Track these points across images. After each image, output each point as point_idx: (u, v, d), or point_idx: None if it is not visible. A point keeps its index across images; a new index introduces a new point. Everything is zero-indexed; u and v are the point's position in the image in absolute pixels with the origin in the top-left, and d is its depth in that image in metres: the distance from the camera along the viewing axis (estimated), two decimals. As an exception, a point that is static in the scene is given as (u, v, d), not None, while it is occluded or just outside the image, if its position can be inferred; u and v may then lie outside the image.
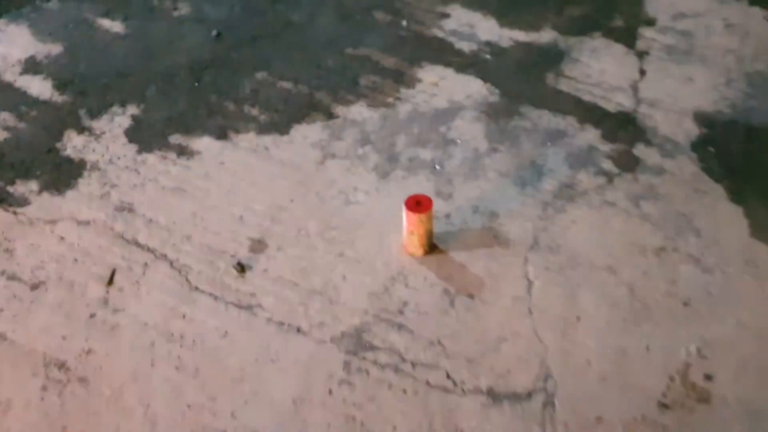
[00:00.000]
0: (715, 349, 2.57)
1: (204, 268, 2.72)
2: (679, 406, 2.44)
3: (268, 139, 3.15)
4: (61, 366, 2.47)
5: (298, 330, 2.58)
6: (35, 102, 3.25)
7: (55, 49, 3.47)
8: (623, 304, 2.68)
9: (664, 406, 2.44)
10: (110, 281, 2.66)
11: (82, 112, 3.22)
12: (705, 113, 3.33)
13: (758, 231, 2.91)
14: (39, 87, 3.30)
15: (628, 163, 3.13)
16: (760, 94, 3.41)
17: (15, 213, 2.85)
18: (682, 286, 2.73)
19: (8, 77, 3.34)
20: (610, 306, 2.67)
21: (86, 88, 3.31)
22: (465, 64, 3.51)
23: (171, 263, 2.73)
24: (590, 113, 3.32)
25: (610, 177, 3.08)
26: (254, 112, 3.27)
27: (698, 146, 3.20)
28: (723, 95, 3.42)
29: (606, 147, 3.18)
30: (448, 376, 2.48)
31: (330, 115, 3.25)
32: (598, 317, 2.64)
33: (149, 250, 2.77)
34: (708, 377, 2.51)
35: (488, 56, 3.57)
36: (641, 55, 3.59)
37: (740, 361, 2.54)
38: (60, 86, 3.32)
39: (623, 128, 3.27)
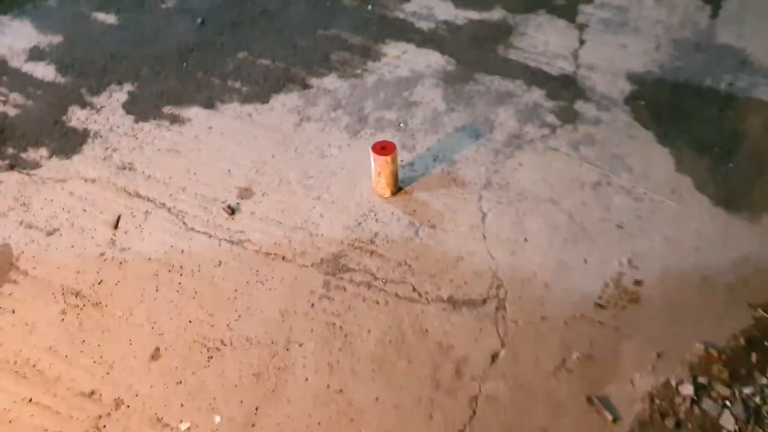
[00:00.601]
0: (644, 260, 2.99)
1: (198, 212, 3.11)
2: (612, 306, 2.85)
3: (250, 107, 3.56)
4: (77, 294, 2.84)
5: (283, 258, 2.97)
6: (41, 83, 3.63)
7: (56, 39, 3.86)
8: (564, 227, 3.09)
9: (599, 306, 2.85)
10: (116, 226, 3.04)
11: (83, 91, 3.60)
12: (636, 73, 3.78)
13: (682, 167, 3.34)
14: (43, 71, 3.69)
15: (569, 116, 3.56)
16: (684, 56, 3.87)
17: (28, 174, 3.23)
18: (616, 213, 3.15)
19: (15, 64, 3.73)
20: (552, 229, 3.09)
21: (86, 70, 3.69)
22: (424, 39, 3.94)
23: (169, 210, 3.12)
24: (536, 77, 3.75)
25: (553, 128, 3.50)
26: (237, 85, 3.67)
27: (630, 100, 3.64)
28: (652, 58, 3.87)
29: (549, 104, 3.61)
30: (414, 289, 2.88)
31: (305, 86, 3.66)
32: (542, 238, 3.05)
33: (149, 200, 3.15)
34: (637, 282, 2.92)
35: (445, 33, 4.00)
36: (581, 27, 4.04)
37: (664, 269, 2.95)
38: (62, 70, 3.70)
39: (565, 88, 3.70)
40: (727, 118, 3.56)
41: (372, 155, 3.06)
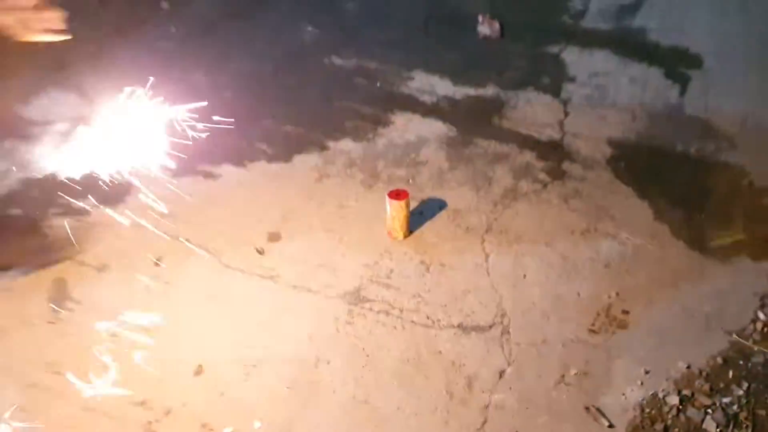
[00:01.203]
0: (630, 294, 3.38)
1: (234, 253, 3.49)
2: (604, 332, 3.22)
3: (275, 166, 4.00)
4: (123, 323, 3.17)
5: (309, 290, 3.33)
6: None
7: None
8: (558, 266, 3.49)
9: (593, 331, 3.22)
10: (158, 264, 3.40)
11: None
12: (616, 139, 4.28)
13: (659, 216, 3.78)
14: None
15: (558, 174, 4.03)
16: (657, 126, 4.39)
17: (78, 221, 3.61)
18: (603, 254, 3.56)
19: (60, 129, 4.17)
20: (548, 267, 3.48)
21: (127, 134, 4.13)
22: (428, 111, 4.45)
23: (207, 250, 3.49)
24: (527, 142, 4.24)
25: (544, 184, 3.96)
26: (263, 147, 4.12)
27: (611, 162, 4.12)
28: (629, 127, 4.39)
29: (540, 164, 4.09)
30: (427, 317, 3.24)
31: (323, 148, 4.12)
32: (539, 275, 3.45)
33: (189, 242, 3.53)
34: (625, 312, 3.31)
35: (446, 105, 4.52)
36: (565, 102, 4.57)
37: (648, 301, 3.34)
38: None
39: (553, 151, 4.18)
40: (697, 177, 4.03)
41: (388, 201, 3.48)
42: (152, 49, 4.76)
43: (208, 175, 3.92)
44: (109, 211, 3.64)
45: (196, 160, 3.93)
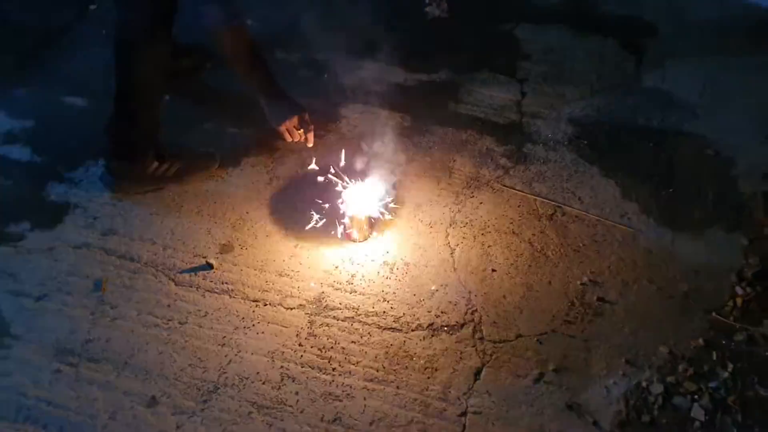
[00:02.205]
0: (604, 278, 3.24)
1: (183, 268, 3.25)
2: (580, 321, 3.07)
3: (222, 171, 3.75)
4: (70, 352, 2.93)
5: (268, 303, 3.12)
6: (18, 163, 3.77)
7: (28, 123, 4.01)
8: (526, 254, 3.34)
9: (568, 322, 3.07)
10: (103, 288, 3.15)
11: (60, 168, 3.74)
12: (576, 117, 4.13)
13: (627, 195, 3.65)
14: (19, 153, 3.83)
15: (520, 158, 3.86)
16: (617, 101, 4.25)
17: (14, 246, 3.33)
18: (572, 238, 3.42)
19: (-10, 148, 3.87)
20: (516, 257, 3.33)
21: (61, 149, 3.84)
22: (379, 101, 4.23)
23: (154, 268, 3.25)
24: (485, 126, 4.06)
25: (506, 169, 3.79)
26: (208, 151, 3.87)
27: (573, 141, 3.97)
28: (589, 104, 4.24)
29: (501, 148, 3.92)
30: (395, 321, 3.05)
31: (272, 149, 3.88)
32: (508, 266, 3.28)
33: (134, 260, 3.29)
34: (600, 299, 3.17)
35: (398, 94, 4.30)
36: (521, 81, 4.40)
37: (623, 283, 3.21)
38: (37, 150, 3.85)
39: (513, 134, 4.01)
40: (661, 151, 3.91)
41: (344, 203, 3.27)
42: (87, 56, 4.45)
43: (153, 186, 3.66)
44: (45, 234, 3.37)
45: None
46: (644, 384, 2.83)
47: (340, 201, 3.33)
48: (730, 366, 2.88)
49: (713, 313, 3.10)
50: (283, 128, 3.61)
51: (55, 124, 4.03)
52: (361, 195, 3.33)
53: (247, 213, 3.52)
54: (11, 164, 3.78)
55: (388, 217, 3.42)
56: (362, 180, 3.46)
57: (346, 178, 3.41)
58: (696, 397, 2.78)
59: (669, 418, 2.73)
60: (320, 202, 3.41)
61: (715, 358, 2.91)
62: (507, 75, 4.47)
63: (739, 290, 3.16)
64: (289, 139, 3.67)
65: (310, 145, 3.72)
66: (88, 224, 3.45)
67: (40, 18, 4.67)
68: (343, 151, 3.60)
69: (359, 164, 3.64)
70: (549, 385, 2.83)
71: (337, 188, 3.41)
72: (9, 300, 3.12)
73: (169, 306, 3.09)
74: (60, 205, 3.55)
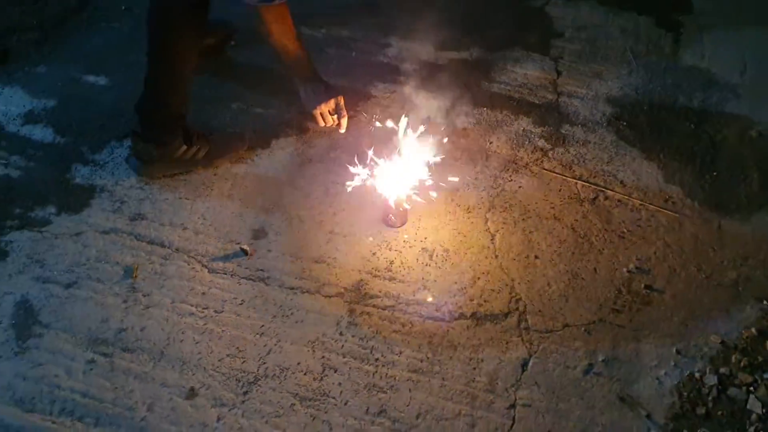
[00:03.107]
0: (650, 265, 3.14)
1: (216, 254, 3.15)
2: (628, 310, 2.97)
3: (252, 153, 3.64)
4: (104, 342, 2.84)
5: (305, 291, 3.02)
6: (40, 145, 3.66)
7: (50, 102, 3.90)
8: (569, 241, 3.23)
9: (616, 311, 2.97)
10: (134, 274, 3.05)
11: (84, 149, 3.63)
12: (615, 97, 4.00)
13: (670, 178, 3.53)
14: (41, 133, 3.72)
15: (558, 140, 3.74)
16: (655, 78, 4.12)
17: (40, 231, 3.23)
18: (616, 223, 3.31)
19: (12, 128, 3.75)
20: (559, 244, 3.22)
21: (84, 130, 3.73)
22: (410, 80, 4.10)
23: (186, 254, 3.15)
24: (521, 106, 3.94)
25: (545, 151, 3.67)
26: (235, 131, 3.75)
27: (612, 122, 3.84)
28: (627, 83, 4.11)
29: (538, 130, 3.79)
30: (437, 310, 2.96)
31: (302, 130, 3.76)
32: (551, 253, 3.18)
33: (164, 246, 3.18)
34: (647, 287, 3.06)
35: (429, 73, 4.17)
36: (556, 59, 4.27)
37: (670, 271, 3.10)
38: (60, 131, 3.74)
39: (549, 115, 3.89)
40: (703, 132, 3.78)
41: (384, 195, 3.16)
42: (106, 33, 4.33)
43: (180, 169, 3.55)
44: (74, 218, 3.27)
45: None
46: (697, 375, 2.74)
47: (375, 178, 3.20)
48: (787, 357, 2.78)
49: (765, 302, 2.99)
50: (317, 112, 3.50)
51: (76, 103, 3.92)
52: (397, 178, 3.20)
53: (279, 197, 3.41)
54: (34, 145, 3.68)
55: (424, 200, 3.29)
56: (396, 162, 3.33)
57: (381, 161, 3.29)
58: (752, 389, 2.69)
59: (725, 410, 2.64)
60: (356, 175, 3.27)
61: (769, 348, 2.81)
62: (540, 53, 4.33)
63: (793, 277, 3.05)
64: (322, 124, 3.56)
65: (343, 131, 3.61)
66: (116, 208, 3.35)
67: (58, -7, 4.52)
68: (373, 129, 3.48)
69: (393, 146, 3.51)
70: (599, 376, 2.74)
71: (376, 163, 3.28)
72: (37, 287, 3.02)
73: (203, 294, 2.99)
74: (85, 189, 3.45)
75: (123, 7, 4.57)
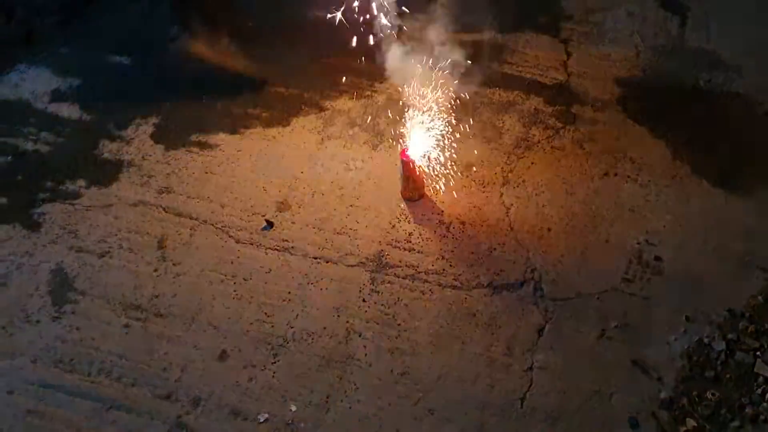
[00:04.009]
0: (659, 238, 3.26)
1: (242, 226, 3.27)
2: (639, 279, 3.10)
3: (273, 131, 3.75)
4: (137, 308, 2.96)
5: (329, 261, 3.15)
6: (68, 122, 3.77)
7: (75, 81, 4.01)
8: (581, 214, 3.35)
9: (627, 280, 3.10)
10: (163, 244, 3.18)
11: (110, 126, 3.75)
12: (623, 78, 4.10)
13: (678, 155, 3.65)
14: (68, 111, 3.83)
15: (569, 119, 3.85)
16: (662, 60, 4.22)
17: (72, 204, 3.35)
18: (626, 198, 3.43)
19: (40, 106, 3.86)
20: (571, 216, 3.34)
21: (109, 107, 3.84)
22: (425, 61, 4.20)
23: (213, 225, 3.27)
24: (532, 86, 4.05)
25: (556, 129, 3.79)
26: (257, 112, 3.86)
27: (621, 101, 3.95)
28: (635, 64, 4.21)
29: (549, 109, 3.90)
30: (455, 279, 3.08)
31: (321, 108, 3.87)
32: (564, 225, 3.30)
33: (192, 218, 3.31)
34: (657, 258, 3.19)
35: (443, 54, 4.26)
36: (565, 41, 4.36)
37: (678, 244, 3.23)
38: (86, 108, 3.85)
39: (560, 95, 4.00)
40: (709, 111, 3.89)
41: (400, 161, 3.28)
42: (122, 16, 4.43)
43: (203, 146, 3.66)
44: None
45: (188, 130, 3.68)
46: (706, 340, 2.87)
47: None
48: (792, 324, 2.91)
49: (771, 273, 3.12)
50: None
51: (101, 81, 4.03)
52: (415, 151, 3.32)
53: (301, 173, 3.53)
54: (62, 122, 3.80)
55: (440, 175, 3.41)
56: (414, 138, 3.44)
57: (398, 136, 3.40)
58: (758, 353, 2.81)
59: (733, 373, 2.77)
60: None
61: (775, 315, 2.94)
62: (550, 35, 4.43)
63: (794, 250, 3.17)
64: None
65: None
66: (144, 182, 3.47)
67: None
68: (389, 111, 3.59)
69: (409, 123, 3.63)
70: (612, 341, 2.87)
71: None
72: (72, 256, 3.15)
73: (232, 263, 3.12)
74: (114, 163, 3.57)
75: None
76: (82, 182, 3.46)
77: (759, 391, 2.71)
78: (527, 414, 2.69)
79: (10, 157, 3.59)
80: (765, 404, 2.68)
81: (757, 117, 3.83)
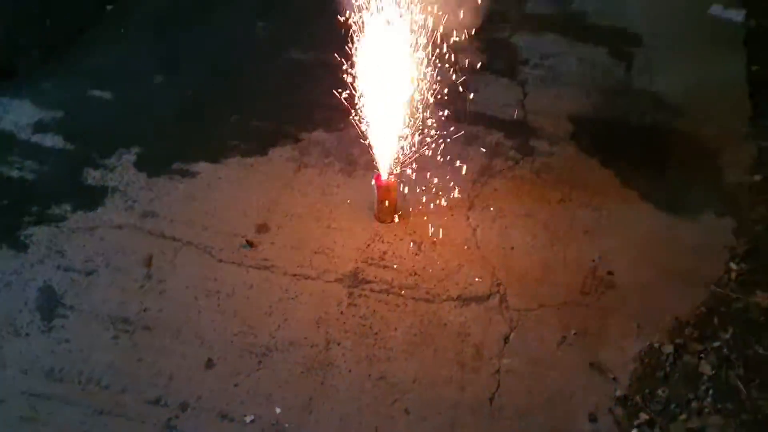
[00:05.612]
0: (612, 256, 3.54)
1: (224, 246, 3.46)
2: (594, 292, 3.37)
3: (252, 160, 3.97)
4: (125, 321, 3.11)
5: (308, 277, 3.34)
6: (51, 150, 3.93)
7: (58, 114, 4.18)
8: (541, 235, 3.63)
9: (584, 293, 3.36)
10: (149, 263, 3.34)
11: (93, 154, 3.92)
12: (575, 115, 4.46)
13: (626, 183, 3.97)
14: (52, 141, 3.99)
15: (527, 151, 4.17)
16: (610, 100, 4.59)
17: (58, 226, 3.50)
18: (580, 222, 3.72)
19: (23, 136, 4.02)
20: (532, 237, 3.62)
21: (92, 137, 4.02)
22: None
23: (196, 246, 3.45)
24: (493, 122, 4.36)
25: (516, 160, 4.09)
26: (235, 142, 4.09)
27: (574, 136, 4.29)
28: (585, 103, 4.57)
29: (509, 142, 4.22)
30: (427, 293, 3.31)
31: (297, 139, 4.12)
32: (525, 245, 3.57)
33: (175, 239, 3.48)
34: (610, 273, 3.47)
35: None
36: (522, 83, 4.72)
37: (629, 260, 3.52)
38: (69, 139, 4.02)
39: (519, 130, 4.32)
40: (654, 145, 4.25)
41: (375, 186, 3.53)
42: (107, 52, 4.64)
43: (185, 173, 3.86)
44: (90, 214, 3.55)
45: (170, 159, 3.88)
46: (656, 345, 3.13)
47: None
48: (730, 329, 3.20)
49: (712, 286, 3.42)
50: None
51: (83, 114, 4.21)
52: (388, 178, 3.56)
53: (279, 197, 3.74)
54: (46, 151, 3.95)
55: (412, 200, 3.66)
56: (386, 166, 3.69)
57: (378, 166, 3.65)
58: (702, 355, 3.09)
59: (680, 373, 3.03)
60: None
61: (716, 322, 3.23)
62: (508, 78, 4.78)
63: (733, 266, 3.49)
64: None
65: None
66: (128, 206, 3.64)
67: (61, 16, 4.82)
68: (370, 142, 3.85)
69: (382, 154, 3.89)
70: (571, 346, 3.11)
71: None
72: (59, 275, 3.28)
73: (215, 279, 3.29)
74: (98, 189, 3.73)
75: (121, 30, 4.90)
76: (67, 207, 3.61)
77: (703, 387, 2.97)
78: (496, 412, 2.89)
79: (-5, 184, 3.72)
80: (708, 399, 2.94)
81: (696, 150, 4.20)
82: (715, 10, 5.38)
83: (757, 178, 3.95)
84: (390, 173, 3.54)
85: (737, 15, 5.32)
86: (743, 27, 5.15)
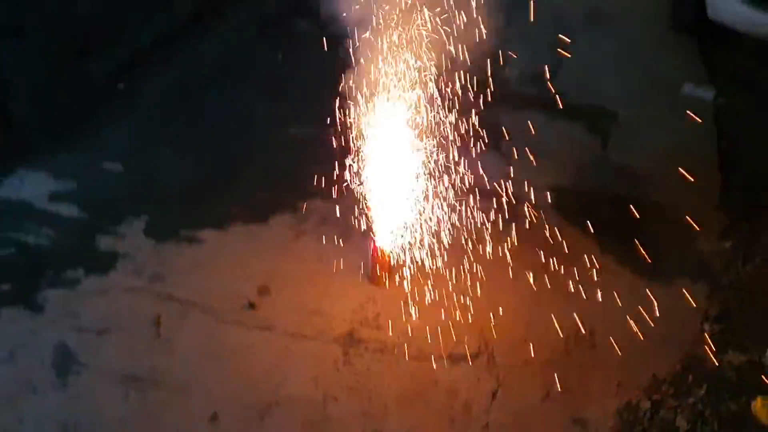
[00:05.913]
0: (592, 317, 3.78)
1: (227, 308, 3.68)
2: (576, 351, 3.59)
3: (253, 227, 4.23)
4: (135, 378, 3.30)
5: (306, 337, 3.56)
6: (67, 219, 4.18)
7: (72, 185, 4.45)
8: (527, 297, 3.88)
9: (567, 352, 3.59)
10: (158, 322, 3.55)
11: (105, 223, 4.17)
12: (557, 186, 4.74)
13: (604, 249, 4.24)
14: (67, 210, 4.25)
15: (510, 219, 4.43)
16: (589, 173, 4.91)
17: (72, 289, 3.72)
18: (562, 285, 3.95)
19: (40, 205, 4.27)
20: (518, 299, 3.86)
21: (105, 207, 4.28)
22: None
23: (201, 307, 3.67)
24: (480, 192, 4.65)
25: (500, 227, 4.36)
26: (237, 210, 4.35)
27: (556, 206, 4.57)
28: (565, 176, 4.88)
29: (492, 211, 4.49)
30: (419, 351, 3.53)
31: (295, 209, 4.39)
32: (512, 307, 3.81)
33: (182, 301, 3.70)
34: (591, 333, 3.69)
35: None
36: (506, 156, 5.04)
37: (609, 321, 3.75)
38: (83, 208, 4.27)
39: (501, 199, 4.60)
40: (631, 214, 4.53)
41: (372, 252, 3.79)
42: (119, 128, 4.95)
43: (191, 239, 4.10)
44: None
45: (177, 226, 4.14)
46: (634, 401, 3.34)
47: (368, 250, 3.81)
48: (705, 386, 3.41)
49: (685, 346, 3.65)
50: None
51: (94, 185, 4.48)
52: (382, 243, 3.82)
53: (279, 263, 3.98)
54: (61, 219, 4.20)
55: (403, 268, 3.91)
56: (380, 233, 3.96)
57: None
58: (678, 410, 3.29)
59: (657, 428, 3.23)
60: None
61: (691, 380, 3.45)
62: (494, 150, 5.09)
63: (706, 327, 3.73)
64: None
65: None
66: (137, 271, 3.87)
67: (77, 94, 5.14)
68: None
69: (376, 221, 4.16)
70: (555, 402, 3.31)
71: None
72: (73, 335, 3.49)
73: (219, 339, 3.50)
74: (110, 254, 3.96)
75: (120, 86, 5.21)
76: (80, 271, 3.84)
77: (680, 440, 3.18)
78: (485, 464, 3.08)
79: (13, 249, 3.95)
80: (685, 451, 3.14)
81: (672, 220, 4.48)
82: (687, 88, 5.78)
83: (727, 245, 4.22)
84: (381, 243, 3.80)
85: (707, 93, 5.71)
86: (713, 105, 5.53)
